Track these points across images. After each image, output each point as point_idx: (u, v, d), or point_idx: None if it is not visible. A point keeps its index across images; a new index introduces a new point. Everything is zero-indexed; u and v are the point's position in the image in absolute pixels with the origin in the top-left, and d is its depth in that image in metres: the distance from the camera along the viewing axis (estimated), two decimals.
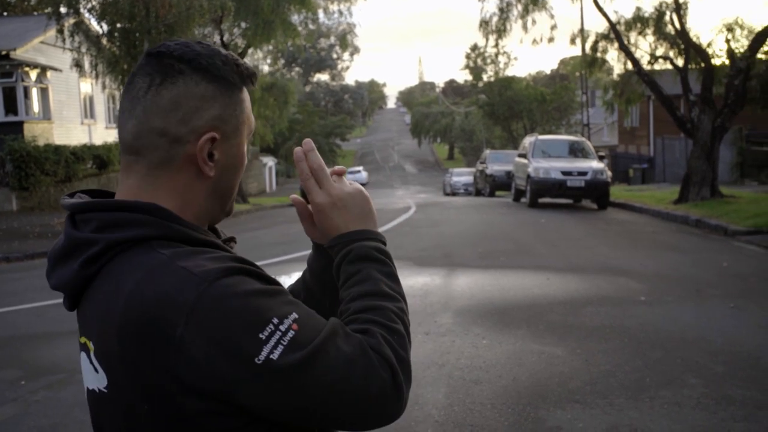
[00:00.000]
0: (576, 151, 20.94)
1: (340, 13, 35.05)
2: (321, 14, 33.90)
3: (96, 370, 1.16)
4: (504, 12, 23.51)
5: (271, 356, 1.05)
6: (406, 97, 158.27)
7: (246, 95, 1.28)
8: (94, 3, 19.32)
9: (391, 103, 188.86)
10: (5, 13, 36.80)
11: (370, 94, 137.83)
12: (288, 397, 1.07)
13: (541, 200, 19.76)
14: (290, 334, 1.08)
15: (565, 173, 18.92)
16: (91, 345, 1.17)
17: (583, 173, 18.87)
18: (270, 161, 58.00)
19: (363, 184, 43.10)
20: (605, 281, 9.00)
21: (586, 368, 5.69)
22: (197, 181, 1.22)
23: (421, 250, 11.90)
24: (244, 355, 1.05)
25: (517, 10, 23.20)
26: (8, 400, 5.57)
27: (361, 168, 68.15)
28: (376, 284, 1.25)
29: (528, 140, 22.08)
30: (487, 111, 56.18)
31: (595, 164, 19.37)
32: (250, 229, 17.66)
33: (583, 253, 11.26)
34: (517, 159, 22.20)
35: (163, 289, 1.07)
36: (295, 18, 29.83)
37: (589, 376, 5.49)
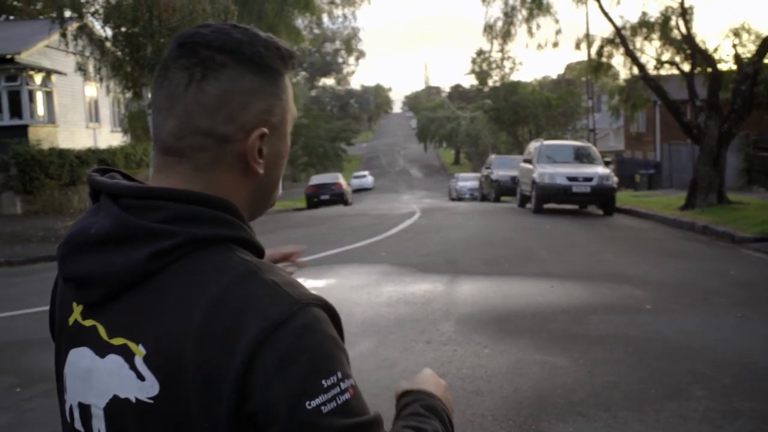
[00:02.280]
0: (581, 156, 20.84)
1: (345, 17, 35.20)
2: (325, 18, 33.89)
3: (141, 377, 1.04)
4: (508, 16, 23.42)
5: (322, 408, 0.99)
6: (412, 102, 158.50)
7: (288, 80, 1.19)
8: (97, 7, 19.29)
9: (397, 108, 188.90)
10: (11, 17, 36.87)
11: (376, 98, 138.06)
12: None
13: (547, 206, 19.63)
14: (346, 396, 1.01)
15: (570, 179, 18.80)
16: (139, 348, 1.05)
17: (588, 179, 18.75)
18: None
19: (368, 189, 43.29)
20: (610, 289, 8.89)
21: (590, 379, 5.58)
22: (246, 179, 1.14)
23: (424, 256, 11.80)
24: (300, 392, 0.99)
25: (521, 14, 23.11)
26: (2, 407, 5.49)
27: (366, 173, 68.10)
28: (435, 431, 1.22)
29: (533, 145, 21.99)
30: (492, 116, 56.15)
31: (601, 170, 19.25)
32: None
33: (588, 260, 11.15)
34: (522, 164, 22.10)
35: (254, 298, 1.01)
36: (300, 22, 29.88)
37: (592, 388, 5.38)
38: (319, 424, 0.98)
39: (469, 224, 17.20)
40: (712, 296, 8.44)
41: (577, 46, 24.34)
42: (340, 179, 38.44)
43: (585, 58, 26.02)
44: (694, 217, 16.07)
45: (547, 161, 20.13)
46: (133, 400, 1.05)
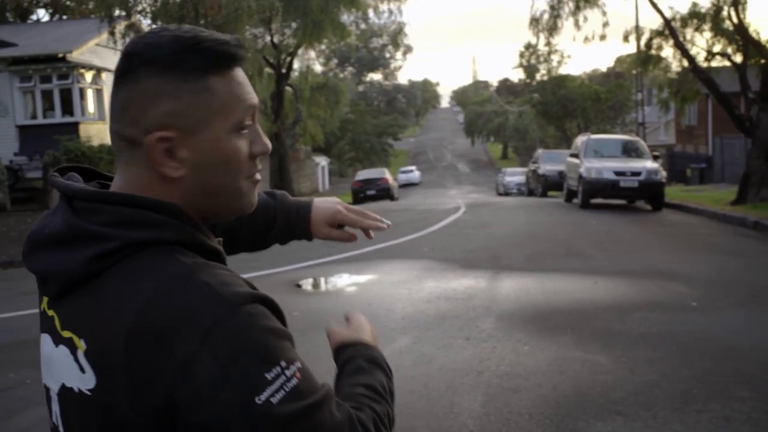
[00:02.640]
0: (630, 150, 20.51)
1: (391, 12, 34.96)
2: (371, 14, 33.74)
3: (82, 369, 1.09)
4: (555, 9, 23.11)
5: (271, 399, 1.02)
6: (460, 96, 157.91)
7: (219, 81, 1.14)
8: (145, 5, 19.56)
9: (444, 103, 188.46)
10: (64, 17, 37.55)
11: (423, 93, 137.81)
12: None
13: (594, 201, 19.37)
14: (293, 381, 1.05)
15: (618, 173, 18.51)
16: (81, 343, 1.09)
17: (636, 173, 18.44)
18: (322, 160, 58.30)
19: (415, 184, 43.43)
20: (655, 286, 8.72)
21: (631, 378, 5.47)
22: (165, 182, 1.14)
23: (467, 252, 11.72)
24: (247, 391, 1.01)
25: (568, 7, 22.77)
26: (33, 402, 5.57)
27: (414, 168, 68.08)
28: (381, 386, 1.26)
29: (580, 140, 21.72)
30: (540, 110, 55.72)
31: (650, 164, 18.92)
32: None
33: (634, 256, 10.96)
34: (569, 159, 21.84)
35: (184, 302, 1.03)
36: (345, 18, 29.86)
37: (633, 387, 5.27)
38: (272, 415, 1.01)
39: (514, 219, 17.05)
40: (762, 294, 8.22)
41: (626, 39, 23.94)
42: (387, 174, 38.48)
43: (634, 50, 25.61)
44: (746, 212, 15.70)
45: (594, 155, 19.85)
46: (76, 390, 1.11)
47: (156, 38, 1.13)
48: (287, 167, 32.85)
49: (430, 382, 5.47)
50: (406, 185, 58.54)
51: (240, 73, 1.18)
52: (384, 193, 35.53)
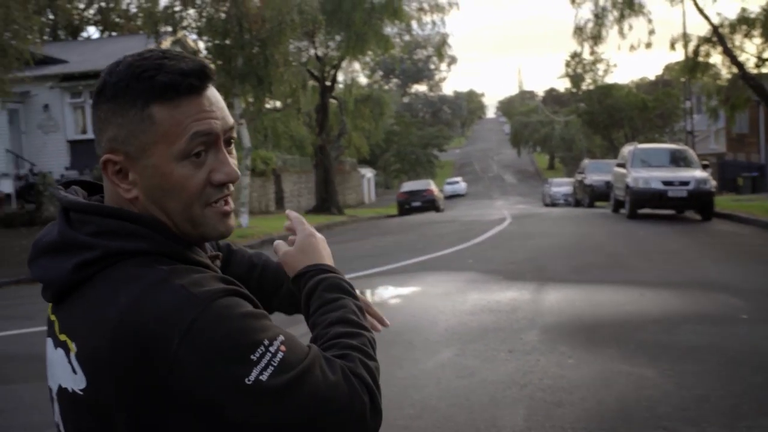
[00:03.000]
0: (678, 159, 20.20)
1: (434, 23, 34.86)
2: (414, 25, 33.75)
3: (74, 371, 1.16)
4: (599, 18, 22.93)
5: (261, 377, 1.09)
6: (506, 107, 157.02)
7: (162, 110, 1.16)
8: (191, 21, 19.85)
9: (490, 113, 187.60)
10: (113, 34, 38.29)
11: (468, 104, 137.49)
12: (273, 417, 1.10)
13: (641, 211, 19.10)
14: (279, 355, 1.11)
15: (665, 183, 18.24)
16: (73, 345, 1.17)
17: (685, 183, 18.14)
18: (368, 172, 58.46)
19: (461, 195, 43.22)
20: (704, 297, 8.55)
21: (678, 392, 5.35)
22: (125, 200, 1.22)
23: (511, 263, 11.63)
24: (236, 375, 1.08)
25: (612, 15, 22.60)
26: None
27: (459, 179, 67.93)
28: (353, 313, 1.29)
29: (627, 149, 21.45)
30: (586, 120, 55.25)
31: (698, 173, 18.61)
32: (342, 240, 17.71)
33: (682, 267, 10.76)
34: (616, 169, 21.58)
35: (162, 305, 1.10)
36: (389, 30, 29.96)
37: (680, 401, 5.15)
38: (265, 390, 1.09)
39: (560, 231, 16.89)
40: None
41: (672, 46, 23.63)
42: (432, 186, 38.39)
43: (682, 58, 25.26)
44: None
45: (641, 165, 19.59)
46: (70, 390, 1.18)
47: (115, 65, 1.21)
48: (332, 179, 33.00)
49: (473, 395, 5.42)
50: (453, 196, 58.42)
51: (196, 100, 1.18)
52: (429, 204, 35.43)
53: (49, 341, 1.25)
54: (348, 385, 1.15)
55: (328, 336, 1.24)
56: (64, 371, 1.19)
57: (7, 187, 22.59)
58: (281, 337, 1.13)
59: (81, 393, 1.15)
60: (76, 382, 1.16)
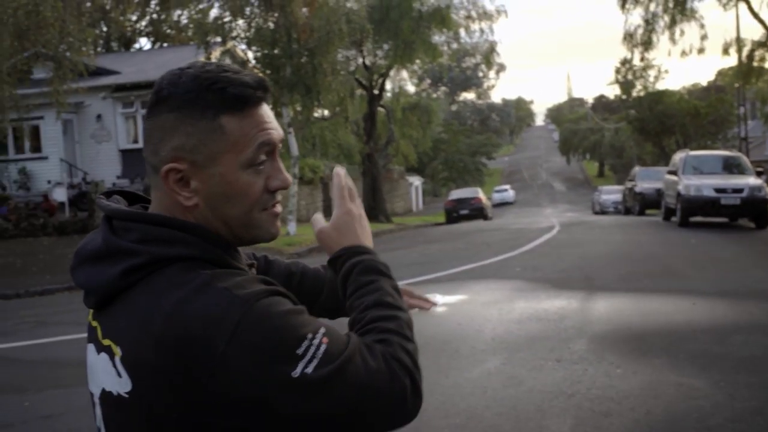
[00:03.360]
0: (731, 166, 19.82)
1: (482, 31, 34.72)
2: (462, 33, 33.66)
3: (119, 374, 1.19)
4: (649, 24, 22.60)
5: (306, 370, 1.12)
6: (555, 114, 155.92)
7: (232, 121, 1.22)
8: (240, 31, 20.09)
9: (539, 121, 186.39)
10: (164, 45, 38.93)
11: (517, 111, 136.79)
12: (319, 407, 1.13)
13: (693, 219, 18.78)
14: (322, 347, 1.14)
15: (718, 190, 17.91)
16: (118, 350, 1.20)
17: (738, 190, 17.80)
18: (416, 180, 58.45)
19: (510, 203, 42.91)
20: (757, 307, 8.36)
21: (730, 404, 5.24)
22: (182, 207, 1.25)
23: (560, 272, 11.53)
24: (283, 371, 1.11)
25: (663, 21, 22.24)
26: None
27: (508, 187, 67.57)
28: (389, 295, 1.31)
29: (678, 156, 21.12)
30: (637, 126, 54.49)
31: (752, 180, 18.24)
32: (390, 249, 17.71)
33: (735, 276, 10.55)
34: (668, 176, 21.25)
35: (206, 308, 1.13)
36: (437, 38, 29.95)
37: (732, 413, 5.05)
38: (311, 383, 1.12)
39: (610, 239, 16.69)
40: None
41: (726, 51, 23.19)
42: (480, 194, 38.23)
43: (735, 63, 24.81)
44: None
45: (693, 172, 19.27)
46: (115, 394, 1.21)
47: (177, 76, 1.23)
48: (380, 187, 33.08)
49: (519, 405, 5.38)
50: (501, 204, 58.10)
51: (259, 111, 1.26)
52: (477, 212, 35.27)
53: (91, 347, 1.28)
54: (389, 370, 1.18)
55: (365, 320, 1.26)
56: (108, 375, 1.22)
57: (61, 195, 23.07)
58: (323, 329, 1.17)
59: (126, 396, 1.18)
60: (121, 385, 1.19)
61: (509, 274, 11.56)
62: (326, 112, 30.58)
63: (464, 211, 35.20)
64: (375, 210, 31.97)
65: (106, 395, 1.23)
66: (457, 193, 39.30)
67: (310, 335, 1.14)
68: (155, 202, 1.28)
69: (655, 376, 5.94)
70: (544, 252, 14.60)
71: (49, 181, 24.45)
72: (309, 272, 1.68)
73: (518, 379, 6.03)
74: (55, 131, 24.81)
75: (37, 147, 25.50)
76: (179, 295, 1.14)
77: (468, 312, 8.78)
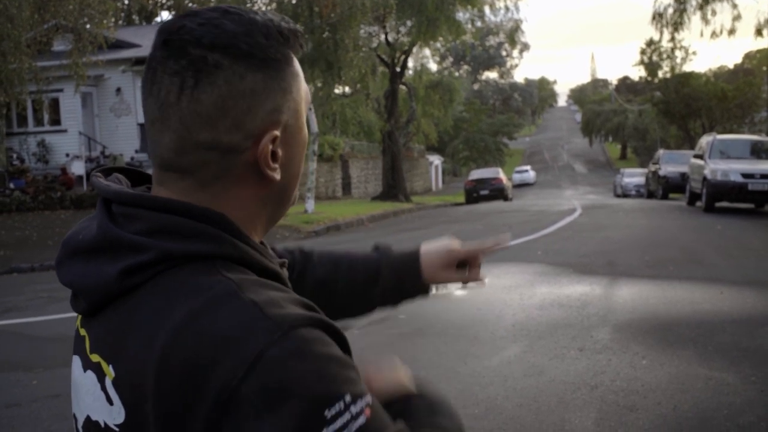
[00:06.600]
0: (759, 151, 19.45)
1: (507, 9, 34.25)
2: (487, 11, 33.21)
3: (110, 401, 0.92)
4: (680, 3, 22.11)
5: None
6: (577, 95, 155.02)
7: (297, 63, 1.01)
8: (261, 5, 19.90)
9: (561, 101, 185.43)
10: None
11: (539, 91, 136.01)
12: None
13: (719, 204, 18.46)
14: (360, 420, 0.84)
15: (745, 175, 17.56)
16: (110, 370, 0.93)
17: (766, 175, 17.45)
18: (436, 159, 58.22)
19: (530, 184, 42.88)
20: None
21: (762, 400, 5.02)
22: (259, 188, 0.99)
23: (582, 257, 11.29)
24: (301, 430, 0.81)
25: (695, 0, 21.72)
26: None
27: (528, 167, 67.26)
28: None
29: (705, 140, 20.77)
30: (662, 109, 53.83)
31: None
32: (409, 229, 17.54)
33: (764, 265, 10.27)
34: (693, 160, 20.93)
35: (226, 327, 0.85)
36: (461, 15, 29.56)
37: (764, 410, 4.83)
38: None
39: (633, 223, 16.42)
40: None
41: (758, 33, 22.66)
42: (501, 174, 37.90)
43: (765, 45, 24.29)
44: None
45: (719, 156, 18.93)
46: (102, 425, 0.95)
47: (228, 28, 0.94)
48: (400, 166, 32.83)
49: (540, 396, 5.18)
50: (521, 185, 57.79)
51: None
52: (497, 193, 34.96)
53: (77, 360, 1.02)
54: None
55: (423, 425, 1.00)
56: (95, 400, 0.96)
57: (79, 168, 23.06)
58: (368, 398, 0.87)
59: (117, 429, 0.93)
60: (111, 414, 0.93)
61: (530, 258, 11.33)
62: (347, 89, 30.35)
63: (484, 192, 34.90)
64: (394, 189, 31.76)
65: (90, 425, 0.98)
66: (477, 173, 38.98)
67: (348, 397, 0.84)
68: (205, 198, 0.97)
69: (683, 369, 5.71)
70: (566, 235, 14.35)
71: (67, 154, 24.47)
72: (358, 255, 1.47)
73: (539, 368, 5.82)
74: (74, 104, 24.76)
75: (56, 120, 25.51)
76: (193, 305, 0.87)
77: (487, 296, 8.57)
